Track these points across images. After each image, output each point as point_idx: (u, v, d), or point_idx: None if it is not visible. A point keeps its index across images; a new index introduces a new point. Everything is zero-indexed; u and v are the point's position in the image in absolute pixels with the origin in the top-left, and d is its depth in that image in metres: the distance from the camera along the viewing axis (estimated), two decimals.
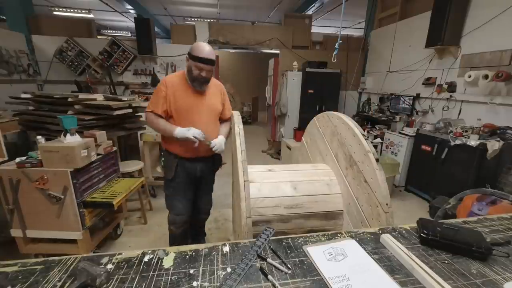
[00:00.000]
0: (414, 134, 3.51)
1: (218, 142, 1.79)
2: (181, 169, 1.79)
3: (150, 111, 1.71)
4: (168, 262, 0.80)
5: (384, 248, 0.90)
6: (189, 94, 1.73)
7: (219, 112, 1.89)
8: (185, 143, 1.70)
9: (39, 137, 1.86)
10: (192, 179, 1.87)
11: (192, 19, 8.19)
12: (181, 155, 1.78)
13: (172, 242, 2.04)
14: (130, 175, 2.69)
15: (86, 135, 2.06)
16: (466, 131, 2.97)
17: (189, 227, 2.01)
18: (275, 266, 0.79)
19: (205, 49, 1.60)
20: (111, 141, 2.24)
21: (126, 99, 2.64)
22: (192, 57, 1.61)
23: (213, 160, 1.95)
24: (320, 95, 4.73)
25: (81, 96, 2.47)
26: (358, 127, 1.43)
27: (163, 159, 1.89)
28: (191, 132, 1.65)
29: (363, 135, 1.37)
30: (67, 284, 0.70)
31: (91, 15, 7.29)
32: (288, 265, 0.79)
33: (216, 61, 5.52)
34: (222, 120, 1.94)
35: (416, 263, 0.78)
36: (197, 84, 1.69)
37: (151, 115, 1.71)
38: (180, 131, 1.66)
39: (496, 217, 1.13)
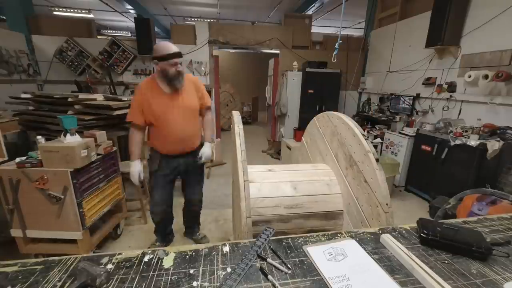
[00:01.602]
0: (414, 134, 3.51)
1: (205, 152, 1.94)
2: (165, 163, 1.93)
3: (130, 121, 1.83)
4: (168, 262, 0.80)
5: (384, 248, 0.90)
6: (162, 97, 1.79)
7: (197, 108, 1.96)
8: (163, 140, 1.85)
9: (39, 137, 1.86)
10: (176, 173, 2.01)
11: (192, 19, 8.20)
12: (165, 152, 1.90)
13: (156, 229, 2.23)
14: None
15: (86, 135, 2.06)
16: (466, 131, 2.97)
17: (169, 218, 2.22)
18: (275, 266, 0.79)
19: (169, 45, 1.68)
20: (111, 141, 2.24)
21: (126, 99, 2.64)
22: (162, 57, 1.66)
23: (196, 153, 2.03)
24: (320, 95, 4.73)
25: (81, 96, 2.47)
26: (358, 127, 1.43)
27: (149, 152, 2.01)
28: (132, 175, 1.88)
29: (363, 135, 1.37)
30: (67, 284, 0.70)
31: (91, 15, 7.29)
32: (288, 265, 0.79)
33: (216, 61, 5.59)
34: (201, 109, 2.01)
35: (416, 263, 0.78)
36: (176, 81, 1.74)
37: (131, 129, 1.86)
38: (131, 167, 1.88)
39: (496, 217, 1.13)
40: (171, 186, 2.07)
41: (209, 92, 5.46)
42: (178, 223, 2.42)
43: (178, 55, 1.69)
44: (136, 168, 1.87)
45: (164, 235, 2.27)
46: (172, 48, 1.67)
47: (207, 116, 2.08)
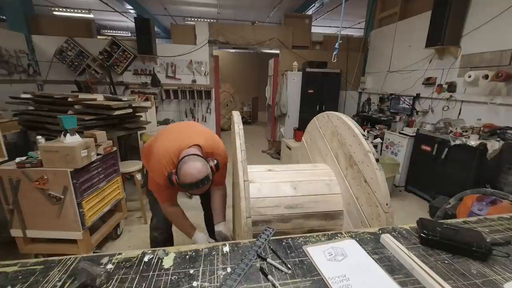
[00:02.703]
0: (414, 134, 3.51)
1: (222, 237, 1.60)
2: None
3: (163, 202, 1.56)
4: (168, 262, 0.80)
5: (384, 248, 0.90)
6: None
7: None
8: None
9: (39, 137, 1.86)
10: None
11: (192, 19, 8.19)
12: None
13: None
14: (130, 175, 2.69)
15: (86, 135, 2.06)
16: (466, 131, 2.97)
17: (171, 234, 1.87)
18: (275, 266, 0.79)
19: (190, 173, 1.26)
20: (111, 141, 2.24)
21: (126, 99, 2.64)
22: (179, 184, 1.32)
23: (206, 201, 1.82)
24: (320, 95, 4.74)
25: (81, 96, 2.47)
26: (358, 127, 1.43)
27: (145, 171, 1.75)
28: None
29: (363, 135, 1.37)
30: (67, 284, 0.70)
31: (91, 15, 7.28)
32: (288, 265, 0.79)
33: (216, 61, 5.59)
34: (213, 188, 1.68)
35: (416, 263, 0.78)
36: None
37: (168, 208, 1.57)
38: (198, 241, 1.56)
39: (496, 217, 1.13)
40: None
41: (209, 92, 5.47)
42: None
43: (197, 186, 1.29)
44: (203, 239, 1.58)
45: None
46: (190, 177, 1.27)
47: (219, 190, 1.72)
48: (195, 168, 1.28)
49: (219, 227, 1.64)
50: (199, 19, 8.06)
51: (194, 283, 0.72)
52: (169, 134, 1.57)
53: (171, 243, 1.90)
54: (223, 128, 7.40)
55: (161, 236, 1.80)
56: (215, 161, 1.40)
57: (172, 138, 1.51)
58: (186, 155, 1.34)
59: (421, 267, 0.76)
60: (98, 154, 2.06)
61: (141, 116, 2.99)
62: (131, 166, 2.64)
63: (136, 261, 0.80)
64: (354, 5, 5.71)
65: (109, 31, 9.71)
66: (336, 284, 0.72)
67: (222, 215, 1.69)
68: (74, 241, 1.98)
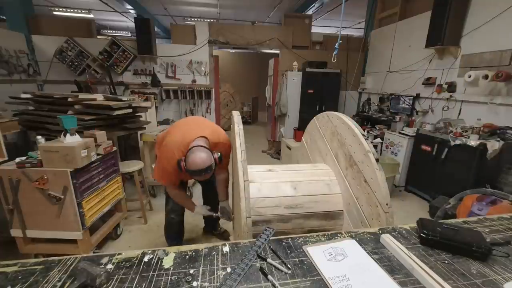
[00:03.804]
0: (414, 134, 3.51)
1: (226, 213, 1.96)
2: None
3: (167, 185, 1.84)
4: (168, 262, 0.80)
5: (384, 248, 0.90)
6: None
7: None
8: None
9: (39, 137, 1.86)
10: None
11: (192, 19, 8.19)
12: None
13: (170, 231, 2.18)
14: (130, 175, 2.69)
15: (86, 135, 2.06)
16: (466, 131, 2.97)
17: (183, 215, 2.18)
18: (275, 266, 0.79)
19: (196, 162, 1.47)
20: (111, 141, 2.24)
21: (126, 99, 2.64)
22: (186, 169, 1.51)
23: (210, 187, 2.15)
24: (320, 95, 4.74)
25: (81, 96, 2.47)
26: (358, 127, 1.43)
27: None
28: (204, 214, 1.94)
29: (363, 135, 1.37)
30: (67, 284, 0.70)
31: (91, 15, 7.28)
32: (288, 265, 0.79)
33: (216, 61, 5.59)
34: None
35: (416, 263, 0.78)
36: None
37: (172, 190, 1.86)
38: (198, 212, 1.91)
39: (496, 217, 1.13)
40: (186, 187, 2.16)
41: (209, 92, 5.48)
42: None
43: (202, 173, 1.50)
44: (203, 210, 1.92)
45: (181, 235, 2.23)
46: (196, 165, 1.47)
47: (223, 173, 1.98)
48: (201, 158, 1.49)
49: (223, 204, 1.98)
50: (199, 19, 8.06)
51: (194, 283, 0.72)
52: (181, 126, 1.81)
53: (182, 229, 2.23)
54: (223, 128, 7.39)
55: (177, 218, 2.09)
56: (219, 154, 1.61)
57: (183, 130, 1.74)
58: (194, 145, 1.56)
59: (421, 267, 0.76)
60: (98, 154, 2.06)
61: (141, 116, 2.99)
62: (131, 166, 2.64)
63: (136, 261, 0.80)
64: (354, 5, 5.71)
65: (109, 31, 9.71)
66: (336, 284, 0.72)
67: (225, 195, 2.02)
68: (74, 241, 1.98)
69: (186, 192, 2.15)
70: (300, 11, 6.77)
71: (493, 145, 2.56)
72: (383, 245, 0.91)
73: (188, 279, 0.73)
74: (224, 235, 2.53)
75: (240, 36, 5.32)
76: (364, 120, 4.97)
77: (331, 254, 0.84)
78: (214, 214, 1.93)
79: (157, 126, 3.78)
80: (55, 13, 7.30)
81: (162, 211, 2.81)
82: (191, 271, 0.76)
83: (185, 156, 1.53)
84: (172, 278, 0.74)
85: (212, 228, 2.55)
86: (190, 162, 1.49)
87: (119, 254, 0.83)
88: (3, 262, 0.79)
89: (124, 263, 0.79)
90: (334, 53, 2.50)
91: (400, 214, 3.06)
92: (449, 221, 1.07)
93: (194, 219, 2.41)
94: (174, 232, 2.17)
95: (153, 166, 3.35)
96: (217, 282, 0.73)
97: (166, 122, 5.02)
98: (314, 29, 5.82)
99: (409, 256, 0.81)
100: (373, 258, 0.83)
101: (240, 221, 1.26)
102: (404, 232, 0.99)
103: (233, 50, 10.24)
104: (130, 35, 9.85)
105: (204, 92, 5.43)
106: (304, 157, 2.22)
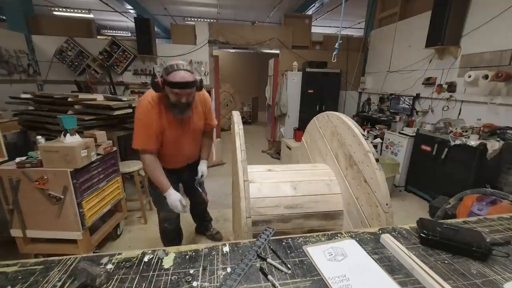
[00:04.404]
0: (414, 134, 3.51)
1: (204, 171, 1.90)
2: (169, 175, 1.75)
3: (143, 149, 1.59)
4: (168, 262, 0.80)
5: (384, 248, 0.90)
6: (174, 123, 1.63)
7: (202, 129, 1.87)
8: (169, 159, 1.79)
9: (39, 137, 1.86)
10: (181, 182, 2.03)
11: (192, 19, 8.19)
12: (170, 167, 1.83)
13: (165, 239, 2.10)
14: (130, 175, 2.69)
15: (86, 135, 2.06)
16: (466, 131, 2.97)
17: (179, 222, 2.09)
18: (275, 266, 0.79)
19: (179, 72, 1.39)
20: (111, 141, 2.24)
21: (126, 99, 2.64)
22: (166, 82, 1.41)
23: (191, 167, 1.97)
24: (320, 95, 4.74)
25: (81, 96, 2.47)
26: (358, 127, 1.43)
27: None
28: (173, 206, 1.67)
29: (363, 135, 1.37)
30: (67, 284, 0.70)
31: (91, 15, 7.28)
32: (288, 265, 0.79)
33: (216, 61, 5.59)
34: (205, 129, 1.90)
35: (416, 263, 0.78)
36: (178, 111, 1.54)
37: (147, 157, 1.61)
38: (170, 197, 1.66)
39: (496, 217, 1.13)
40: (179, 191, 2.04)
41: (209, 92, 5.47)
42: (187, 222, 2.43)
43: (183, 85, 1.41)
44: (176, 197, 1.67)
45: (179, 239, 2.18)
46: (179, 75, 1.39)
47: (209, 138, 2.00)
48: (184, 67, 1.41)
49: (202, 167, 1.91)
50: (199, 19, 8.06)
51: (194, 283, 0.72)
52: None
53: (180, 234, 2.14)
54: (223, 128, 7.40)
55: (171, 226, 1.97)
56: (200, 78, 1.54)
57: None
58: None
59: (421, 267, 0.76)
60: (98, 154, 2.06)
61: None
62: (131, 166, 2.64)
63: (136, 261, 0.80)
64: (354, 5, 5.71)
65: (109, 31, 9.71)
66: (336, 284, 0.72)
67: (206, 155, 1.97)
68: (74, 241, 1.98)
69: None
70: (300, 11, 6.77)
71: (493, 145, 2.56)
72: (383, 245, 0.91)
73: (188, 279, 0.73)
74: (216, 237, 2.47)
75: (240, 36, 5.31)
76: (364, 120, 4.97)
77: (331, 254, 0.84)
78: (185, 209, 1.75)
79: None
80: (55, 13, 7.30)
81: None
82: (191, 271, 0.77)
83: (161, 73, 1.43)
84: (172, 278, 0.74)
85: (204, 229, 2.51)
86: (172, 72, 1.38)
87: (119, 254, 0.83)
88: (3, 262, 0.79)
89: (124, 263, 0.79)
90: (334, 53, 2.51)
91: (400, 214, 3.06)
92: (449, 221, 1.07)
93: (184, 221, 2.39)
94: (170, 240, 2.07)
95: None
96: (217, 282, 0.73)
97: None
98: (314, 29, 5.81)
99: (409, 256, 0.81)
100: (373, 258, 0.83)
101: (240, 221, 1.26)
102: (404, 232, 0.99)
103: (233, 50, 10.24)
104: (130, 35, 9.85)
105: None
106: (304, 157, 2.22)
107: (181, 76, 1.39)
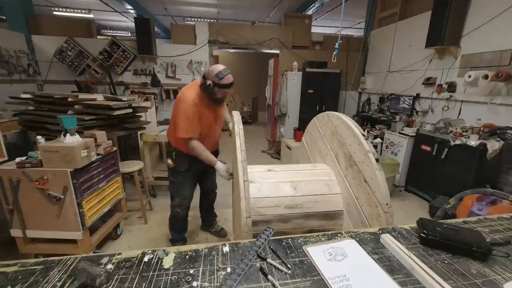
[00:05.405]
0: (414, 134, 3.51)
1: (230, 169, 2.02)
2: (193, 164, 2.05)
3: (191, 137, 1.89)
4: (168, 262, 0.80)
5: (384, 248, 0.90)
6: (209, 111, 1.97)
7: (223, 119, 2.22)
8: (202, 142, 2.01)
9: (39, 137, 1.86)
10: (199, 170, 2.19)
11: (192, 19, 8.19)
12: (191, 154, 2.01)
13: (174, 226, 2.27)
14: (130, 175, 2.69)
15: (86, 135, 2.06)
16: (466, 131, 2.97)
17: (188, 211, 2.27)
18: (275, 266, 0.79)
19: (230, 76, 1.82)
20: (111, 141, 2.24)
21: (126, 99, 2.64)
22: (220, 85, 1.80)
23: (215, 153, 2.24)
24: (320, 95, 4.74)
25: (81, 96, 2.47)
26: (358, 127, 1.43)
27: (174, 153, 2.08)
28: (222, 175, 1.94)
29: (363, 135, 1.37)
30: (67, 284, 0.70)
31: (91, 15, 7.29)
32: (288, 265, 0.79)
33: (216, 61, 5.59)
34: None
35: (416, 263, 0.78)
36: (220, 103, 1.98)
37: (195, 142, 1.91)
38: (219, 168, 1.95)
39: (496, 217, 1.13)
40: (196, 181, 2.27)
41: None
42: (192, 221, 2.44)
43: (232, 85, 1.86)
44: (224, 167, 1.96)
45: (185, 227, 2.35)
46: (231, 79, 1.83)
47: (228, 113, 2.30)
48: (227, 70, 1.82)
49: (226, 165, 2.06)
50: (199, 19, 8.06)
51: (194, 283, 0.72)
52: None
53: (186, 223, 2.33)
54: (223, 128, 7.40)
55: (183, 212, 2.19)
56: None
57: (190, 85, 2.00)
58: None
59: (421, 267, 0.76)
60: (98, 154, 2.06)
61: (141, 116, 2.99)
62: (131, 166, 2.64)
63: (136, 261, 0.80)
64: (354, 5, 5.71)
65: (109, 31, 9.71)
66: (336, 284, 0.72)
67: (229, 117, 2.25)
68: (74, 241, 1.98)
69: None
70: (300, 11, 6.77)
71: (493, 145, 2.56)
72: (383, 245, 0.91)
73: (188, 279, 0.73)
74: (221, 233, 2.55)
75: (240, 36, 5.32)
76: (364, 120, 4.97)
77: (331, 254, 0.84)
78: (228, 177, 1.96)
79: (157, 126, 3.78)
80: (55, 13, 7.31)
81: (162, 211, 2.83)
82: (191, 271, 0.77)
83: (206, 78, 1.81)
84: (172, 278, 0.74)
85: (209, 225, 2.59)
86: (221, 72, 1.77)
87: (119, 254, 0.83)
88: (3, 262, 0.79)
89: (124, 263, 0.79)
90: (334, 53, 2.51)
91: (400, 214, 3.06)
92: (449, 221, 1.07)
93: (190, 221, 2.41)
94: (179, 225, 2.27)
95: (154, 167, 3.36)
96: (217, 282, 0.73)
97: (166, 122, 5.02)
98: (314, 29, 5.82)
99: (409, 256, 0.81)
100: (373, 258, 0.83)
101: (240, 221, 1.26)
102: (404, 232, 0.99)
103: (233, 50, 10.25)
104: (130, 35, 9.85)
105: None
106: (304, 157, 2.22)
107: (230, 78, 1.82)
